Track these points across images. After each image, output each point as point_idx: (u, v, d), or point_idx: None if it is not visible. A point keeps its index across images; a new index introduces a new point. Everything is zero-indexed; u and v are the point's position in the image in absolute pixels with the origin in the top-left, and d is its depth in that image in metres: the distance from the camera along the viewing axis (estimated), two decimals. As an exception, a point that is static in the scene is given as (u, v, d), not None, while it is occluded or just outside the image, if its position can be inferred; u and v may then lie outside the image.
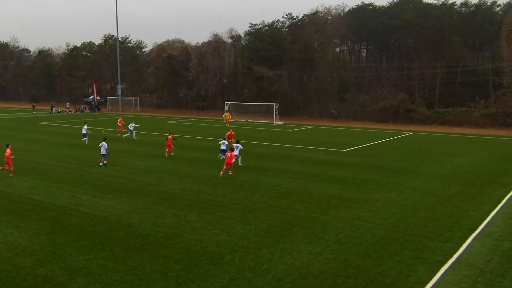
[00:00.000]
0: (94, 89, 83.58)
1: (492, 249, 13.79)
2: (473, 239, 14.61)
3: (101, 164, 26.70)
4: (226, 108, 66.01)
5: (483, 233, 15.27)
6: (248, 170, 26.02)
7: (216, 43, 79.53)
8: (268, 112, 63.48)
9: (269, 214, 17.27)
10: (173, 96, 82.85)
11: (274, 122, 60.26)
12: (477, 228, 15.73)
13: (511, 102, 54.92)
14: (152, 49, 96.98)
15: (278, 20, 75.73)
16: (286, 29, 75.82)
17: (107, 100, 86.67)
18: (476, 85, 60.77)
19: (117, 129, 43.79)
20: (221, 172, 24.13)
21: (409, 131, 51.40)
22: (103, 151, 26.86)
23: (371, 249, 13.76)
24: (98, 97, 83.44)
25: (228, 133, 33.50)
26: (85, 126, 37.72)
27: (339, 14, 76.79)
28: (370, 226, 15.83)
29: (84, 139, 36.99)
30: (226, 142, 28.99)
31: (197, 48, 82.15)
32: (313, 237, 14.69)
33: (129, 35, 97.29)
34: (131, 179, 23.16)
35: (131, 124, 41.07)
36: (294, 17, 75.75)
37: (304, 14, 75.47)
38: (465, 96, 60.07)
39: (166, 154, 30.49)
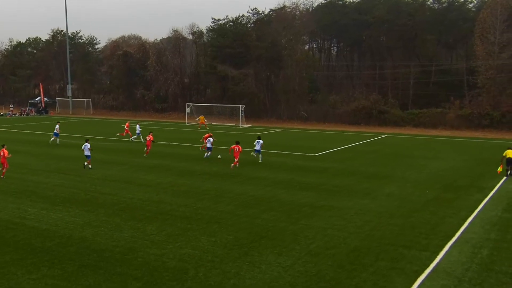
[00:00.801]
0: (41, 90, 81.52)
1: (470, 257, 14.17)
2: (450, 247, 14.97)
3: (85, 164, 27.91)
4: (188, 110, 65.62)
5: (461, 240, 15.68)
6: (213, 177, 25.93)
7: (176, 40, 79.11)
8: (233, 114, 63.50)
9: (235, 224, 17.22)
10: (130, 97, 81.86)
11: (240, 125, 60.31)
12: (454, 235, 16.14)
13: (486, 102, 56.90)
14: (105, 45, 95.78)
15: (243, 15, 76.10)
16: (252, 25, 76.16)
17: (55, 101, 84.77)
18: (450, 84, 62.68)
19: (124, 132, 44.01)
20: (232, 164, 28.24)
21: (382, 133, 52.41)
22: (87, 153, 28.10)
23: (345, 260, 13.91)
24: (45, 99, 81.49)
25: (207, 135, 34.46)
26: (57, 126, 39.90)
27: (307, 10, 77.75)
28: (344, 236, 16.00)
29: (52, 139, 39.40)
30: (261, 142, 31.36)
31: (155, 45, 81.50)
32: (283, 249, 14.73)
33: (80, 30, 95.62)
34: (84, 189, 22.68)
35: (137, 126, 42.54)
36: (260, 12, 76.29)
37: (270, 9, 76.19)
38: (440, 96, 61.85)
39: (145, 155, 32.87)
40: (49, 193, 21.88)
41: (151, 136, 33.57)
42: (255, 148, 31.29)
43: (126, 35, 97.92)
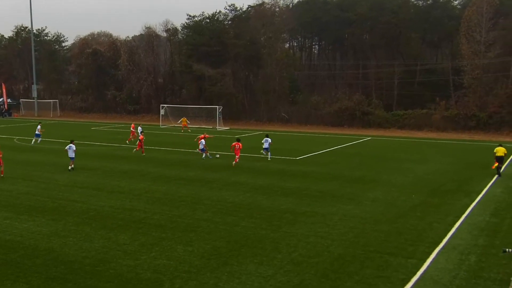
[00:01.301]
0: (4, 91, 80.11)
1: (457, 264, 14.36)
2: (437, 254, 15.16)
3: (70, 168, 28.76)
4: (162, 112, 65.25)
5: (448, 246, 15.88)
6: (189, 182, 25.83)
7: (149, 37, 78.67)
8: (210, 116, 63.35)
9: (213, 233, 17.16)
10: (100, 98, 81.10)
11: (217, 127, 60.20)
12: (441, 241, 16.34)
13: (472, 103, 57.87)
14: (74, 43, 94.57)
15: (220, 11, 76.03)
16: (229, 22, 76.19)
17: (20, 103, 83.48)
18: (435, 85, 63.65)
19: (129, 135, 44.59)
20: (234, 162, 30.92)
21: (366, 135, 52.89)
22: (71, 154, 28.94)
23: (329, 268, 13.96)
24: (8, 100, 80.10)
25: (202, 136, 36.16)
26: (39, 127, 42.00)
27: (287, 6, 78.19)
28: (327, 243, 16.07)
29: (34, 139, 41.44)
30: (269, 140, 34.18)
31: (127, 42, 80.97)
32: (264, 258, 14.72)
33: (45, 26, 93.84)
34: (51, 197, 22.37)
35: (139, 128, 43.52)
36: (238, 9, 76.42)
37: (249, 5, 76.74)
38: (425, 97, 62.73)
39: (143, 154, 35.23)
40: (13, 201, 21.53)
41: (142, 136, 36.90)
42: (263, 146, 34.42)
43: (96, 32, 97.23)
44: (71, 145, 29.25)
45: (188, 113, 63.14)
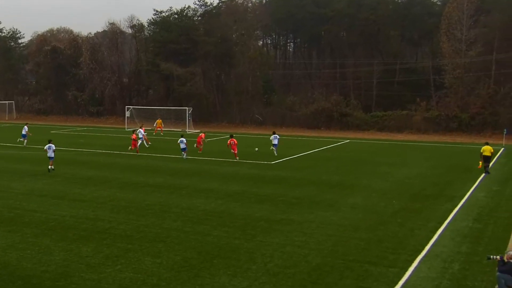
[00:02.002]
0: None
1: (440, 272, 14.57)
2: (420, 262, 15.36)
3: (50, 168, 29.95)
4: (127, 114, 64.67)
5: (430, 254, 16.12)
6: (157, 189, 25.66)
7: (113, 34, 78.07)
8: (179, 118, 63.06)
9: (183, 243, 17.07)
10: (60, 99, 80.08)
11: (187, 130, 59.94)
12: (423, 248, 16.57)
13: (454, 103, 58.97)
14: (31, 40, 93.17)
15: (189, 7, 75.84)
16: (199, 18, 76.14)
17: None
18: (416, 84, 64.67)
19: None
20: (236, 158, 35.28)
21: (344, 138, 53.37)
22: (50, 154, 30.07)
23: (307, 279, 14.02)
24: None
25: (201, 136, 41.04)
26: (26, 128, 43.76)
27: (260, 1, 78.49)
28: (305, 253, 16.14)
29: (20, 139, 43.44)
30: (278, 137, 39.08)
31: (89, 39, 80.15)
32: (238, 269, 14.71)
33: None
34: (7, 206, 21.94)
35: (140, 130, 43.58)
36: (208, 4, 76.59)
37: (219, 0, 76.20)
38: (405, 97, 63.63)
39: (137, 153, 38.25)
40: (-36, 211, 21.05)
41: (134, 135, 39.77)
42: (273, 143, 38.47)
43: (55, 28, 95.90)
44: (50, 144, 30.29)
45: (155, 115, 62.75)
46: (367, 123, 62.00)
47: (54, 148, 30.47)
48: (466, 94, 59.19)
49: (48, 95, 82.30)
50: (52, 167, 30.19)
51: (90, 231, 18.41)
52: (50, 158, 30.29)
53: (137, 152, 38.56)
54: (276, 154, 37.54)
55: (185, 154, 36.52)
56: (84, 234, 17.96)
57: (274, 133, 39.47)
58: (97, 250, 16.23)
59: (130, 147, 39.56)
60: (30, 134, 43.92)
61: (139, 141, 41.38)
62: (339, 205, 22.53)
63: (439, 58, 61.93)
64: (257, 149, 39.80)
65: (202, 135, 41.32)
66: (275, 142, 38.36)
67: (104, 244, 16.90)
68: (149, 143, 43.90)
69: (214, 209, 21.63)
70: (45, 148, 30.77)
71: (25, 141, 43.28)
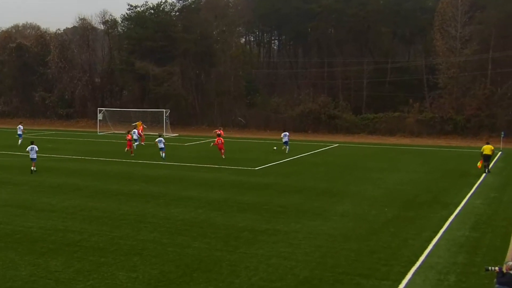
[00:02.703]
0: None
1: (435, 285, 14.67)
2: (414, 274, 15.44)
3: (32, 169, 31.78)
4: (100, 117, 64.23)
5: (425, 265, 16.22)
6: (132, 197, 25.52)
7: (83, 30, 77.62)
8: (156, 121, 62.74)
9: (161, 256, 16.99)
10: (26, 100, 79.32)
11: (164, 134, 59.64)
12: (417, 259, 16.67)
13: (448, 105, 59.46)
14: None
15: (166, 1, 75.41)
16: (177, 14, 75.96)
17: None
18: (408, 85, 65.10)
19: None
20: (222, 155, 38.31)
21: (333, 142, 53.57)
22: (33, 155, 31.95)
23: (294, 294, 14.02)
24: None
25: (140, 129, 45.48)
26: (21, 127, 47.90)
27: (243, -5, 78.46)
28: (291, 265, 16.15)
29: (19, 139, 47.00)
30: (287, 134, 43.68)
31: (58, 36, 79.56)
32: (220, 283, 14.67)
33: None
34: (-32, 217, 21.67)
35: (134, 131, 45.60)
36: (187, -2, 76.16)
37: (199, -6, 76.13)
38: (397, 98, 64.04)
39: (132, 154, 40.43)
40: None
41: (129, 136, 42.10)
42: (283, 140, 42.84)
43: (21, 24, 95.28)
44: (33, 146, 32.23)
45: (130, 118, 62.38)
46: (357, 125, 62.28)
47: (37, 149, 32.52)
48: (461, 95, 59.68)
49: (13, 96, 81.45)
50: (34, 168, 32.03)
51: (60, 243, 18.25)
52: (32, 159, 32.08)
53: (132, 154, 40.58)
54: (287, 152, 42.12)
55: (163, 154, 38.26)
56: (53, 247, 17.79)
57: (284, 131, 43.85)
58: (67, 264, 16.09)
59: (126, 148, 41.79)
60: (25, 132, 48.44)
61: (136, 143, 44.12)
62: (327, 214, 22.59)
63: (433, 56, 62.41)
64: (275, 148, 44.07)
65: (221, 132, 43.32)
66: (286, 139, 42.77)
67: (74, 257, 16.75)
68: (143, 143, 47.04)
69: (193, 219, 21.57)
70: (27, 149, 32.59)
71: (20, 140, 46.94)
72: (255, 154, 43.23)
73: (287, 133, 43.28)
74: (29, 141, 34.05)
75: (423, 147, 50.02)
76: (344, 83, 68.23)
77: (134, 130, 45.46)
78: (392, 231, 20.01)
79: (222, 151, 38.75)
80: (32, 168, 32.04)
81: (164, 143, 38.64)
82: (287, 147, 42.83)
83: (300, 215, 22.37)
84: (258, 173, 33.55)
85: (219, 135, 39.82)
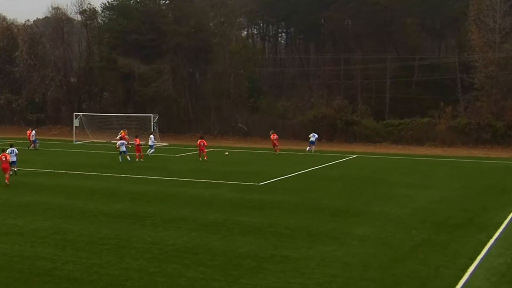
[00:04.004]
0: None
1: (473, 322, 14.59)
2: (447, 309, 15.37)
3: (11, 173, 34.22)
4: (76, 123, 64.29)
5: (460, 298, 16.15)
6: (114, 218, 25.46)
7: (57, 22, 78.11)
8: (142, 128, 62.78)
9: (148, 287, 16.94)
10: (-11, 104, 79.60)
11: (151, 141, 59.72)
12: (451, 292, 16.59)
13: (486, 109, 59.22)
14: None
15: (154, -13, 76.05)
16: (167, 2, 76.29)
17: None
18: (439, 85, 65.10)
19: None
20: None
21: (351, 153, 53.52)
22: (13, 158, 34.84)
23: (305, 332, 13.96)
24: None
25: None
26: (33, 132, 55.31)
27: (245, -18, 78.78)
28: (302, 298, 16.08)
29: (36, 144, 54.59)
30: (316, 135, 52.92)
31: (27, 28, 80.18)
32: (218, 320, 14.62)
33: None
34: None
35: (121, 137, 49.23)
36: (179, -15, 76.48)
37: (194, -19, 76.43)
38: (426, 101, 64.02)
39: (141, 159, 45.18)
40: None
41: (137, 140, 46.64)
42: (310, 140, 51.65)
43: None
44: (12, 148, 35.42)
45: (111, 124, 62.58)
46: (378, 133, 62.25)
47: (16, 152, 35.90)
48: (502, 98, 59.52)
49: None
50: (16, 169, 35.85)
51: (28, 273, 18.18)
52: (12, 163, 34.90)
53: (141, 158, 46.07)
54: (312, 152, 50.17)
55: (151, 150, 46.77)
56: (19, 277, 17.73)
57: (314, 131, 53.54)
58: (37, 297, 16.07)
59: (136, 158, 45.76)
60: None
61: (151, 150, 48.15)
62: (344, 238, 22.49)
63: (468, 52, 62.36)
64: (308, 148, 52.30)
65: (275, 136, 51.88)
66: (313, 139, 51.56)
67: (46, 289, 16.72)
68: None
69: (186, 244, 21.49)
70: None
71: (38, 144, 55.29)
72: (259, 167, 43.18)
73: (316, 135, 52.91)
74: (8, 145, 37.48)
75: (457, 159, 49.90)
76: (363, 84, 68.23)
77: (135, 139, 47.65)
78: (420, 258, 19.88)
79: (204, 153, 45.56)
80: (14, 169, 35.49)
81: (153, 141, 45.06)
82: (313, 147, 51.61)
83: (312, 239, 22.27)
84: (262, 189, 33.48)
85: (201, 138, 47.47)
